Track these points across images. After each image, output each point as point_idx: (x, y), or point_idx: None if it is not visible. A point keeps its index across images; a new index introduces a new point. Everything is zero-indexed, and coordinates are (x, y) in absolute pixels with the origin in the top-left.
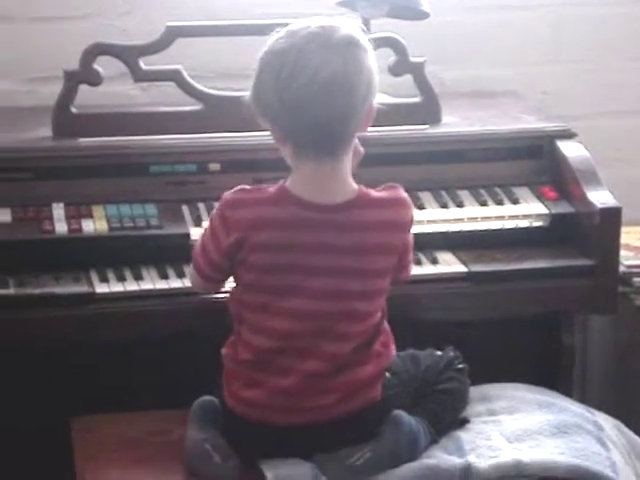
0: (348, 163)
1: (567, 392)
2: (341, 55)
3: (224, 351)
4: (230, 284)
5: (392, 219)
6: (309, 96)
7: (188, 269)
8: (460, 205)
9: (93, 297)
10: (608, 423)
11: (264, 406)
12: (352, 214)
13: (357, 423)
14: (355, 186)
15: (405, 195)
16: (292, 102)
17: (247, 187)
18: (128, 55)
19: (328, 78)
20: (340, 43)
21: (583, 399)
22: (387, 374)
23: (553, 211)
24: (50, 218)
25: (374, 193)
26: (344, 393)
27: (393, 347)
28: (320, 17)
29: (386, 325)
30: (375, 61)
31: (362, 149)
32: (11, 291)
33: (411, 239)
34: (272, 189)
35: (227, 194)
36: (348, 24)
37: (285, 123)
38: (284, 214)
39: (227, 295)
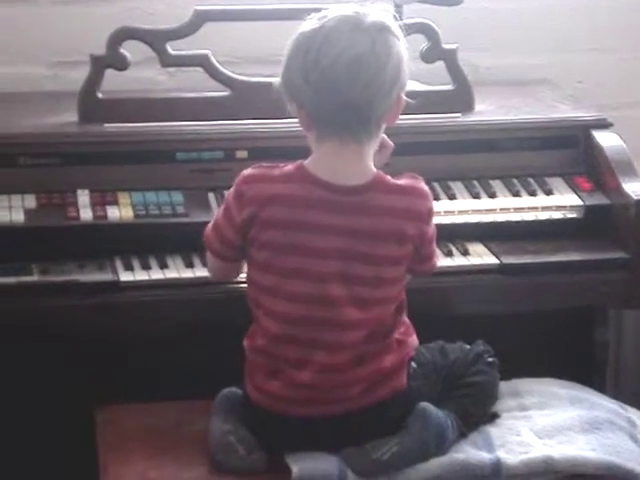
0: (371, 152)
1: (600, 388)
2: (370, 37)
3: (245, 342)
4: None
5: (407, 207)
6: (334, 76)
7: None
8: (492, 196)
9: (117, 285)
10: None
11: (286, 398)
12: (367, 198)
13: (382, 413)
14: (373, 170)
15: (424, 186)
16: (317, 82)
17: (265, 164)
18: (155, 39)
19: (354, 58)
20: (371, 27)
21: (616, 395)
22: (413, 364)
23: (587, 202)
24: (75, 205)
25: (391, 180)
26: (368, 384)
27: (415, 336)
28: (355, 4)
29: (405, 317)
30: (406, 51)
31: (391, 143)
32: (35, 278)
33: (432, 231)
34: (290, 166)
35: (245, 170)
36: (382, 12)
37: (311, 105)
38: (298, 191)
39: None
